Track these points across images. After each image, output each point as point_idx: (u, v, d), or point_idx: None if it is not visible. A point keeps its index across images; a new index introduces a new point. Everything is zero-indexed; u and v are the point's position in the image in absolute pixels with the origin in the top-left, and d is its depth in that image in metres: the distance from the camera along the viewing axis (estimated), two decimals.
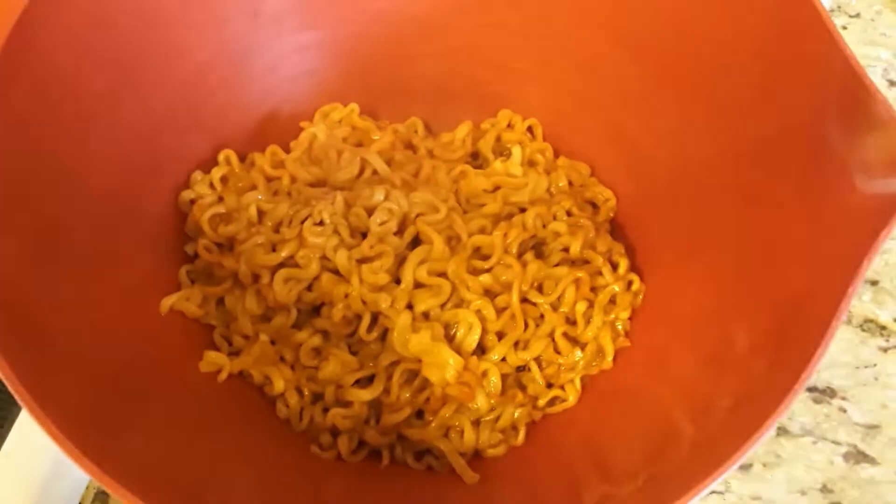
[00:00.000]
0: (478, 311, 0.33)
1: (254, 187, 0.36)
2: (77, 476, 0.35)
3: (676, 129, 0.35)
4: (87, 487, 0.36)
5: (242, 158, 0.39)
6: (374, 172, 0.36)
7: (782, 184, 0.29)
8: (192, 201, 0.36)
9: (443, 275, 0.33)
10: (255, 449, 0.31)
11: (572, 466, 0.32)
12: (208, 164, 0.38)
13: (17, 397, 0.21)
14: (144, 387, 0.29)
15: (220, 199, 0.36)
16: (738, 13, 0.30)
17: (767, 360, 0.27)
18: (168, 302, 0.33)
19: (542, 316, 0.34)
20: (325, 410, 0.34)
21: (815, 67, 0.27)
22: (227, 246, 0.35)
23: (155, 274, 0.34)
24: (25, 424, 0.34)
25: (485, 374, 0.33)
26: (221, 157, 0.37)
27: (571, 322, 0.34)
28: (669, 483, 0.26)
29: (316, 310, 0.34)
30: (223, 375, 0.33)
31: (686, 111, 0.34)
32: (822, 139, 0.26)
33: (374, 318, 0.33)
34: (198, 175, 0.37)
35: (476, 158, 0.41)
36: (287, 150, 0.39)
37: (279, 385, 0.33)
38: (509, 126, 0.41)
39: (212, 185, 0.37)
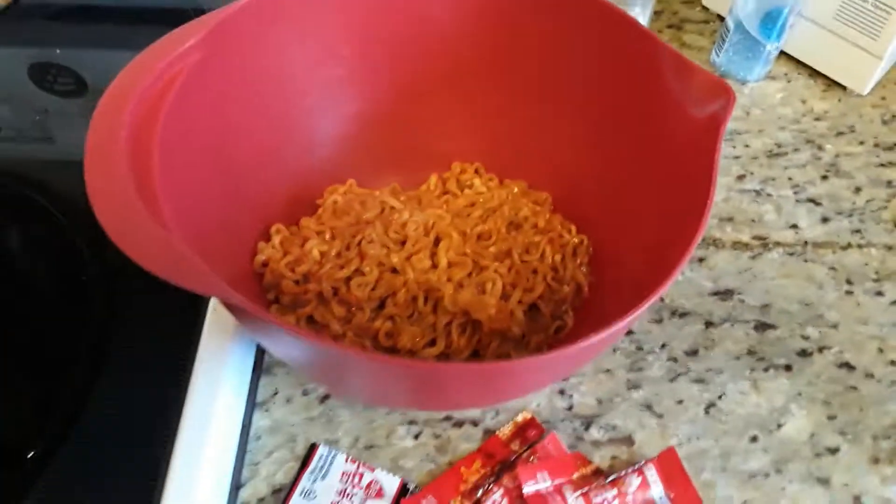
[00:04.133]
0: (495, 270, 0.47)
1: (307, 240, 0.49)
2: None
3: (578, 137, 0.53)
4: None
5: None
6: (392, 209, 0.51)
7: (649, 134, 0.47)
8: (264, 263, 0.49)
9: (464, 255, 0.48)
10: None
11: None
12: (260, 238, 0.51)
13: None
14: None
15: (285, 254, 0.49)
16: (601, 50, 0.49)
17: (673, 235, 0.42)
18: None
19: (535, 270, 0.49)
20: None
21: (654, 59, 0.45)
22: (302, 282, 0.48)
23: None
24: None
25: (511, 312, 0.46)
26: (274, 229, 0.50)
27: (555, 270, 0.50)
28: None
29: (381, 307, 0.47)
30: None
31: (580, 121, 0.52)
32: (669, 93, 0.44)
33: (425, 297, 0.47)
34: (262, 244, 0.49)
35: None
36: None
37: None
38: (462, 172, 0.57)
39: (274, 248, 0.49)
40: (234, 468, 0.45)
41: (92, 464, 0.44)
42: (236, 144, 0.47)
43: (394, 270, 0.47)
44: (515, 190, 0.54)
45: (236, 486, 0.45)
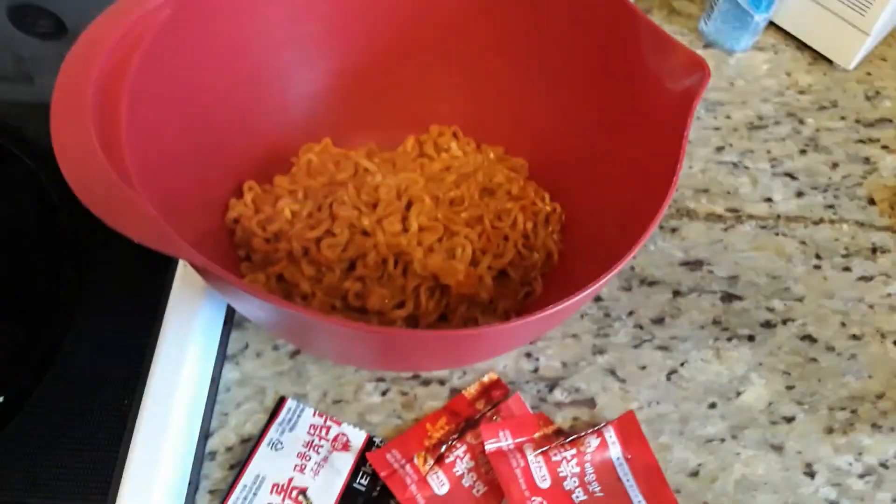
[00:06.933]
0: (466, 236, 0.47)
1: (279, 199, 0.50)
2: None
3: (556, 105, 0.53)
4: None
5: None
6: (365, 170, 0.51)
7: (624, 105, 0.47)
8: (236, 220, 0.49)
9: (435, 220, 0.48)
10: None
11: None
12: (233, 195, 0.51)
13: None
14: None
15: (257, 211, 0.49)
16: (580, 19, 0.48)
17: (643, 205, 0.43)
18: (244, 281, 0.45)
19: (506, 237, 0.50)
20: None
21: (632, 32, 0.45)
22: (273, 240, 0.48)
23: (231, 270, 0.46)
24: None
25: (480, 277, 0.47)
26: (246, 186, 0.50)
27: (526, 237, 0.50)
28: None
29: (350, 268, 0.48)
30: None
31: (558, 89, 0.52)
32: (646, 65, 0.44)
33: (395, 260, 0.47)
34: (233, 201, 0.49)
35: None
36: None
37: None
38: (440, 135, 0.57)
39: (246, 205, 0.49)
40: (204, 417, 0.46)
41: (63, 408, 0.45)
42: (208, 101, 0.46)
43: (365, 233, 0.47)
44: (491, 156, 0.54)
45: (205, 435, 0.46)
